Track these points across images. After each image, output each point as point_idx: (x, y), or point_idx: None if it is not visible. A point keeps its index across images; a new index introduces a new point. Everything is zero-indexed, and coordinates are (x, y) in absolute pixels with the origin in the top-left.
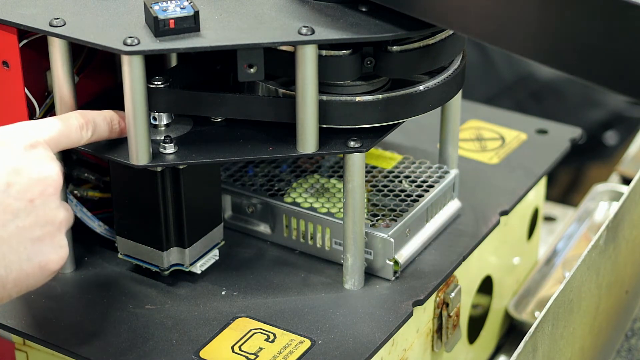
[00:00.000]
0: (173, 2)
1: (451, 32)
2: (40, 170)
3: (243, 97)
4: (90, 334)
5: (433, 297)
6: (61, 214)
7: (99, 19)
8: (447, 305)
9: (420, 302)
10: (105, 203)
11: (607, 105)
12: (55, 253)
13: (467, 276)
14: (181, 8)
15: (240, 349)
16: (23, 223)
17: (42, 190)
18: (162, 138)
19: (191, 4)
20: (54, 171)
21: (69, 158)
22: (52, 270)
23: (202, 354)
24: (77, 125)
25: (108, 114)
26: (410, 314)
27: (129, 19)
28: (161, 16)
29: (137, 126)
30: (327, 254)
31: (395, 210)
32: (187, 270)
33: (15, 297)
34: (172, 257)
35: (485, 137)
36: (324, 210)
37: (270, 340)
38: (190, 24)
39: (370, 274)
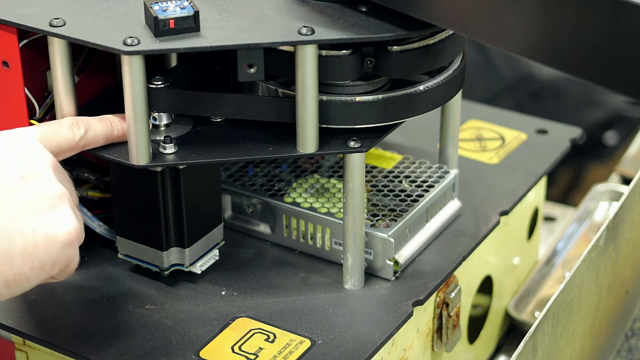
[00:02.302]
0: (173, 2)
1: (451, 32)
2: (29, 150)
3: (243, 97)
4: (90, 334)
5: (433, 297)
6: (59, 188)
7: (99, 19)
8: (447, 305)
9: (420, 302)
10: (105, 203)
11: (607, 105)
12: (62, 224)
13: (467, 276)
14: (181, 8)
15: (240, 349)
16: (20, 199)
17: (32, 168)
18: (162, 138)
19: (191, 4)
20: (45, 152)
21: (69, 158)
22: (62, 242)
23: (202, 354)
24: (66, 124)
25: (106, 116)
26: (410, 314)
27: (129, 19)
28: (161, 16)
29: (137, 126)
30: (327, 254)
31: (395, 210)
32: (187, 270)
33: (30, 274)
34: (172, 257)
35: (485, 137)
36: (324, 210)
37: (270, 340)
38: (190, 24)
39: (370, 274)
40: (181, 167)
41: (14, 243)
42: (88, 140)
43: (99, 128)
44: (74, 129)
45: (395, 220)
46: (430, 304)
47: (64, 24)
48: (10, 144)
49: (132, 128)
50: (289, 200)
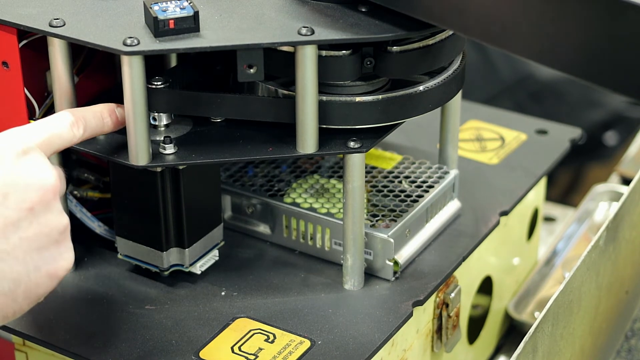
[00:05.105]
0: (173, 2)
1: (451, 32)
2: (37, 177)
3: (243, 97)
4: (90, 334)
5: (433, 297)
6: (64, 220)
7: (99, 19)
8: (447, 305)
9: (420, 303)
10: (105, 203)
11: (607, 105)
12: (63, 259)
13: (467, 276)
14: (181, 8)
15: (240, 350)
16: (26, 234)
17: (41, 197)
18: (162, 138)
19: (191, 4)
20: (51, 176)
21: (69, 158)
22: (60, 277)
23: (201, 354)
24: (68, 124)
25: (98, 109)
26: (410, 315)
27: (128, 20)
28: (161, 16)
29: (137, 126)
30: (327, 255)
31: (395, 211)
32: (186, 270)
33: (27, 309)
34: (171, 257)
35: (485, 137)
36: (324, 210)
37: (270, 340)
38: (190, 24)
39: (370, 274)
40: (181, 167)
41: (19, 283)
42: (83, 138)
43: (93, 124)
44: (74, 130)
45: (395, 221)
46: (430, 304)
47: (64, 24)
48: (14, 162)
49: (132, 128)
50: (288, 200)
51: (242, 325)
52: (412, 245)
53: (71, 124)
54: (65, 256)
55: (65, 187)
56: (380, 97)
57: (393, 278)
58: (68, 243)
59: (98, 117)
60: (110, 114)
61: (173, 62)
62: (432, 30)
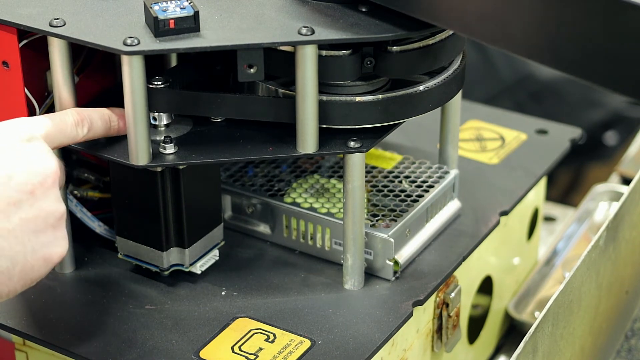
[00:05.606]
0: (173, 2)
1: (451, 32)
2: (39, 162)
3: (243, 97)
4: (90, 334)
5: (433, 297)
6: (62, 207)
7: (99, 19)
8: (447, 305)
9: (420, 303)
10: (105, 203)
11: (607, 105)
12: (58, 245)
13: (467, 276)
14: (181, 8)
15: (240, 349)
16: (26, 215)
17: (42, 182)
18: (162, 138)
19: (191, 4)
20: (53, 163)
21: (69, 158)
22: (54, 263)
23: (202, 354)
24: (72, 122)
25: (105, 112)
26: (410, 314)
27: (129, 19)
28: (161, 16)
29: (137, 126)
30: (327, 254)
31: (395, 211)
32: (187, 270)
33: (20, 291)
34: (172, 257)
35: (485, 137)
36: (324, 210)
37: (270, 340)
38: (190, 24)
39: (370, 274)
40: (181, 167)
41: (17, 263)
42: (88, 138)
43: (99, 126)
44: (78, 129)
45: (395, 221)
46: (430, 304)
47: (64, 24)
48: (19, 147)
49: (132, 128)
50: (289, 200)
51: (242, 325)
52: (412, 245)
53: (76, 122)
54: (59, 242)
55: (65, 180)
56: (380, 97)
57: (393, 278)
58: (63, 231)
59: (105, 119)
60: (118, 118)
61: (173, 62)
62: (432, 30)
